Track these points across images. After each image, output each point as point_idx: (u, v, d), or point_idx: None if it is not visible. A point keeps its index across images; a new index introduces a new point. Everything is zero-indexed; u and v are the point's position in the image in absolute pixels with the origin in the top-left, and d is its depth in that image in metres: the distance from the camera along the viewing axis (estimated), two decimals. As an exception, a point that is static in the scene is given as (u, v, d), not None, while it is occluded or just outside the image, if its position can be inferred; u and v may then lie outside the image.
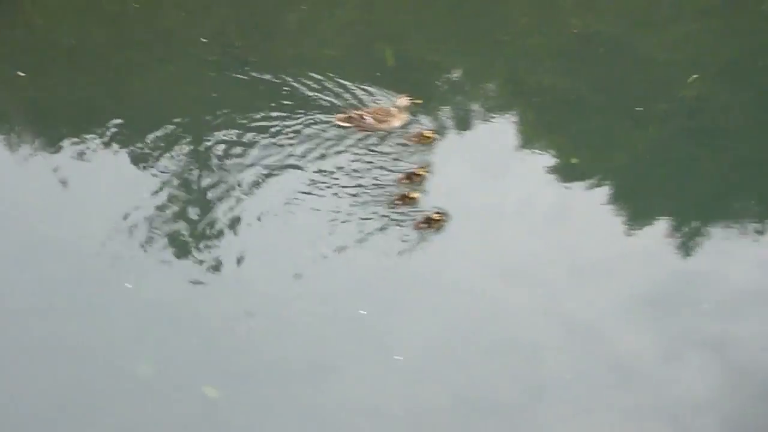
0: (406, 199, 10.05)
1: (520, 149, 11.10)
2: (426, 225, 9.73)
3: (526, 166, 10.86)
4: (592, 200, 10.41)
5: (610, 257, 9.64)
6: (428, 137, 10.71)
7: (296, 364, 8.72)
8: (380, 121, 10.88)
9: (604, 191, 10.53)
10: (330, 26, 13.19)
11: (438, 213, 9.75)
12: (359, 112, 10.97)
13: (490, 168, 10.69)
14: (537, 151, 11.03)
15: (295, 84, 11.71)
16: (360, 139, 10.89)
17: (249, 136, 11.03)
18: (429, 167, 10.44)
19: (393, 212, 10.00)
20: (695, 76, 11.72)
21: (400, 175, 10.39)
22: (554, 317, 9.10)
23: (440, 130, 10.99)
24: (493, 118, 11.52)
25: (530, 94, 11.94)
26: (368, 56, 12.45)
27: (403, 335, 8.95)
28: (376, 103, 11.25)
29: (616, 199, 10.42)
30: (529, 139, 11.22)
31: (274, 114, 11.31)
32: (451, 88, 12.05)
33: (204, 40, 12.56)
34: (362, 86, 11.67)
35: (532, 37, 12.95)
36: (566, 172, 10.78)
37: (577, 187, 10.60)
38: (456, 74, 12.27)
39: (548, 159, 10.95)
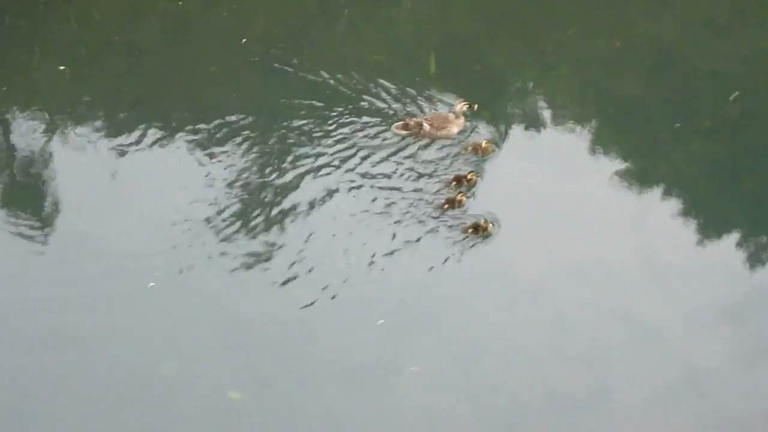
0: (453, 203, 9.82)
1: (579, 154, 10.98)
2: (473, 231, 9.51)
3: (584, 171, 10.69)
4: (659, 208, 10.25)
5: (677, 265, 9.48)
6: (486, 148, 10.45)
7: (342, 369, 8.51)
8: (438, 128, 10.64)
9: (672, 200, 10.33)
10: (375, 31, 13.02)
11: (485, 221, 9.50)
12: (417, 120, 10.73)
13: (550, 173, 10.51)
14: (597, 156, 10.94)
15: (338, 86, 11.61)
16: (417, 147, 10.69)
17: (289, 139, 10.88)
18: (478, 172, 10.24)
19: (441, 217, 9.78)
20: (736, 93, 11.41)
21: (450, 177, 10.18)
22: (622, 322, 8.95)
23: (497, 139, 10.79)
24: (552, 124, 11.41)
25: (590, 103, 11.86)
26: (413, 62, 12.27)
27: (468, 338, 8.81)
28: (434, 110, 11.12)
29: (684, 208, 10.23)
30: (588, 145, 11.09)
31: (317, 115, 11.16)
32: (504, 94, 11.94)
33: (245, 40, 12.42)
34: (408, 91, 11.52)
35: (583, 47, 12.80)
36: (631, 179, 10.59)
37: (644, 195, 10.43)
38: (508, 82, 12.19)
39: (610, 165, 10.79)
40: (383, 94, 11.41)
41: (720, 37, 12.82)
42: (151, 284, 9.08)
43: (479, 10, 13.38)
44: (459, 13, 13.33)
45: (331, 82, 11.68)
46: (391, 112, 11.14)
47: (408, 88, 11.54)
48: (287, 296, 9.07)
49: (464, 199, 9.85)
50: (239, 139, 10.84)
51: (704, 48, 12.60)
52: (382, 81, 11.57)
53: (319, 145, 10.75)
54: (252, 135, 10.91)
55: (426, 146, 10.67)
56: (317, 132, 10.94)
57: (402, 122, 10.81)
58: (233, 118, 11.14)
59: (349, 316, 8.90)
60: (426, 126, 10.63)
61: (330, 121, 11.07)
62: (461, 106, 10.72)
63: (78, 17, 13.01)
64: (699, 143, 11.03)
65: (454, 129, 10.69)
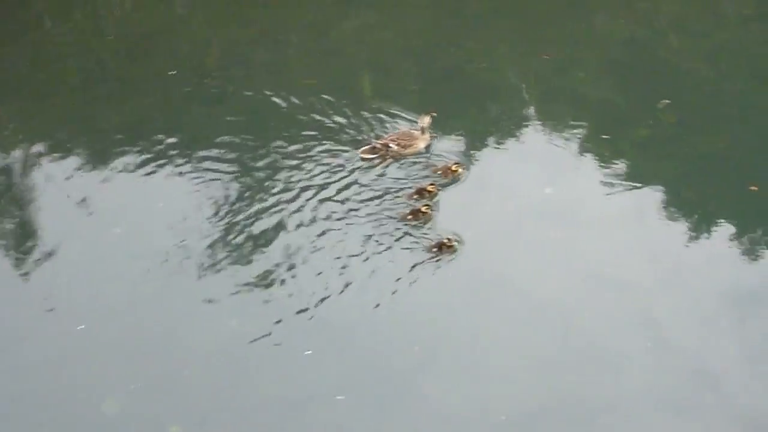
0: (418, 214, 9.67)
1: (545, 160, 10.81)
2: (438, 250, 9.30)
3: (552, 177, 10.51)
4: (645, 206, 10.04)
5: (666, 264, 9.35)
6: (456, 171, 10.20)
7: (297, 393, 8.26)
8: (405, 147, 10.50)
9: (657, 198, 10.14)
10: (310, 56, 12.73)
11: (449, 239, 9.29)
12: (383, 141, 10.57)
13: (514, 181, 10.43)
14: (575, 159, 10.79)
15: (273, 111, 11.44)
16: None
17: (246, 170, 10.66)
18: (438, 185, 10.05)
19: (407, 237, 9.58)
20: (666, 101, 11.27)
21: (411, 191, 10.03)
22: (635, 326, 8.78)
23: (465, 161, 10.49)
24: (510, 135, 11.23)
25: (558, 106, 11.66)
26: (348, 86, 11.96)
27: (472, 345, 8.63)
28: (397, 129, 10.91)
29: (669, 205, 10.05)
30: (552, 151, 10.94)
31: (251, 143, 11.01)
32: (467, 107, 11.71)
33: (172, 72, 12.29)
34: (344, 116, 11.27)
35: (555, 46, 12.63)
36: (616, 180, 10.44)
37: (631, 194, 10.23)
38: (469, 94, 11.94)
39: (591, 167, 10.67)
40: (337, 118, 11.24)
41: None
42: (81, 327, 8.78)
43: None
44: (400, 33, 13.23)
45: (277, 104, 11.62)
46: (369, 137, 10.92)
47: (352, 110, 11.41)
48: (233, 329, 8.79)
49: (430, 212, 9.70)
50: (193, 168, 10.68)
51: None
52: (330, 105, 11.46)
53: (275, 174, 10.53)
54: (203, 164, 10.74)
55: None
56: (267, 159, 10.77)
57: (369, 146, 10.60)
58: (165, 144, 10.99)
59: (294, 348, 8.60)
60: (393, 146, 10.46)
61: (284, 146, 10.90)
62: (427, 120, 10.56)
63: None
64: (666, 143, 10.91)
65: (421, 144, 10.59)
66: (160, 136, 11.13)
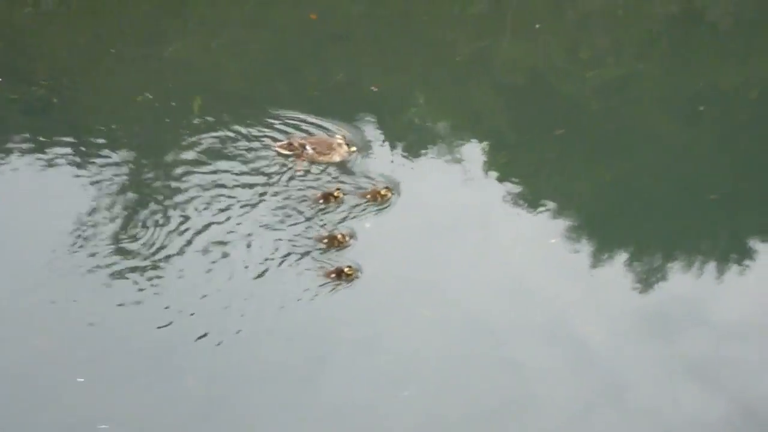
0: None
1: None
2: (336, 276, 9.14)
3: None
4: (554, 226, 10.04)
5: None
6: (385, 195, 9.93)
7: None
8: (320, 153, 10.23)
9: (564, 217, 10.16)
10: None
11: (350, 267, 9.16)
12: (301, 141, 10.29)
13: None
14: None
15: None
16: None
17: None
18: (342, 189, 9.96)
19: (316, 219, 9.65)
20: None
21: (318, 194, 9.91)
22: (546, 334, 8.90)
23: (394, 186, 10.16)
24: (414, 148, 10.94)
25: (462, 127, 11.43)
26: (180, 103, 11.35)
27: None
28: (314, 134, 10.63)
29: (579, 223, 10.08)
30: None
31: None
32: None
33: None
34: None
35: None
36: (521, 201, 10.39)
37: (539, 215, 10.20)
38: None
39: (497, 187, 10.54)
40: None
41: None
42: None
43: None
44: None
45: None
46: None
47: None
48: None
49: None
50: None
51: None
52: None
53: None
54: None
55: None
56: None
57: (286, 142, 10.36)
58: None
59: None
60: (309, 149, 10.18)
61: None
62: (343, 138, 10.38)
63: None
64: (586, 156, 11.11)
65: (336, 157, 10.29)
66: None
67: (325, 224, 9.62)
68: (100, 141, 10.56)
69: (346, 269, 9.09)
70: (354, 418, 8.21)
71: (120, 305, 8.85)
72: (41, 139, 10.59)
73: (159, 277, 9.12)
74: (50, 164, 10.30)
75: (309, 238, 9.49)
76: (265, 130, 10.70)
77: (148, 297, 8.94)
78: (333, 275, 9.11)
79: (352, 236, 9.48)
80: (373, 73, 11.87)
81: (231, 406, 8.22)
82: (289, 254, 9.35)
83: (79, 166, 10.26)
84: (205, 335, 8.67)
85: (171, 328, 8.70)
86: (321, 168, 10.23)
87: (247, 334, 8.72)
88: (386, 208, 9.90)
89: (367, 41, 12.65)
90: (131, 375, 8.33)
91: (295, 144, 10.28)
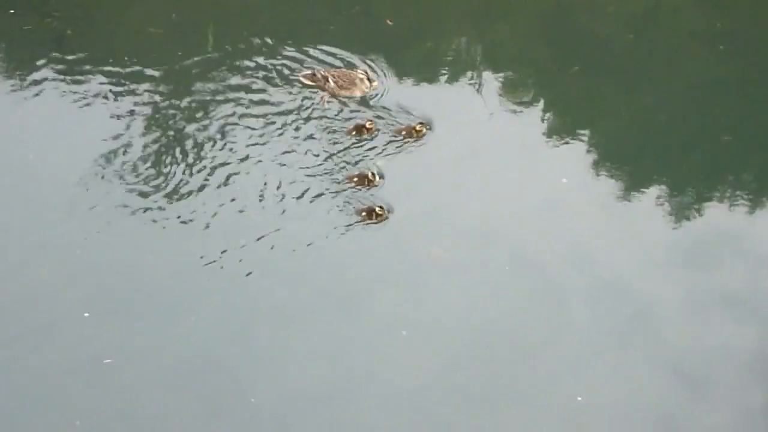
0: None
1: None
2: (366, 216, 9.16)
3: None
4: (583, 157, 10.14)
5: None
6: (419, 131, 9.86)
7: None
8: (342, 87, 10.20)
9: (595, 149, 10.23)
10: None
11: (381, 207, 9.16)
12: (324, 73, 10.29)
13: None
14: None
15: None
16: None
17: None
18: (375, 121, 9.94)
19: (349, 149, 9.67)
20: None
21: (349, 127, 9.88)
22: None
23: (429, 121, 10.11)
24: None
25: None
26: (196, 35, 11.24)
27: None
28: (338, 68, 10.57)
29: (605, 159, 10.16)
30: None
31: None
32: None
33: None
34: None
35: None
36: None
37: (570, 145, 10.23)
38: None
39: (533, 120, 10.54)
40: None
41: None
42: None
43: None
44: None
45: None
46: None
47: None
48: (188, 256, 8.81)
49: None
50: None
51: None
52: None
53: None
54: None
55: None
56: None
57: (310, 72, 10.39)
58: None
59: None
60: (331, 81, 10.19)
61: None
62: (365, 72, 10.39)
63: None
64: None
65: (357, 93, 10.25)
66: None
67: (359, 160, 9.65)
68: (117, 71, 10.50)
69: (377, 209, 9.08)
70: (384, 352, 8.33)
71: (140, 241, 8.92)
72: (56, 70, 10.50)
73: (181, 211, 9.15)
74: (65, 97, 10.24)
75: (338, 176, 9.51)
76: (287, 62, 10.68)
77: (171, 232, 9.00)
78: (363, 214, 9.12)
79: (382, 175, 9.46)
80: (389, 5, 11.79)
81: (246, 343, 8.28)
82: (318, 193, 9.36)
83: (95, 98, 10.20)
84: (230, 270, 8.71)
85: (193, 263, 8.75)
86: (344, 101, 10.21)
87: (270, 271, 8.75)
88: (421, 144, 9.90)
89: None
90: (142, 310, 8.42)
91: (318, 75, 10.30)
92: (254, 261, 8.78)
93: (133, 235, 8.94)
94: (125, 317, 8.32)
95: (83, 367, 8.02)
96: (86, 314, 8.33)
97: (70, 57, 10.65)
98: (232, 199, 9.27)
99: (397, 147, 9.82)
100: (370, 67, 10.59)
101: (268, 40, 10.95)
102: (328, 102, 10.15)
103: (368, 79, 10.27)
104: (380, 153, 9.74)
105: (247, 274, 8.68)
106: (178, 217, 9.10)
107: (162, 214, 9.12)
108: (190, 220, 9.08)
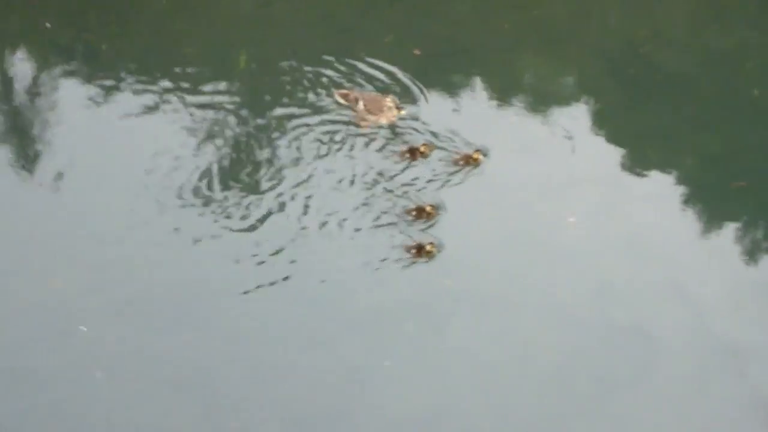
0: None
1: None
2: (416, 253, 8.78)
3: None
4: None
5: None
6: (476, 158, 9.59)
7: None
8: (369, 111, 10.03)
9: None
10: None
11: (431, 245, 8.76)
12: (356, 95, 10.16)
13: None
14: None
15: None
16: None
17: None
18: (432, 144, 9.71)
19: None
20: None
21: (403, 149, 9.65)
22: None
23: (485, 149, 9.82)
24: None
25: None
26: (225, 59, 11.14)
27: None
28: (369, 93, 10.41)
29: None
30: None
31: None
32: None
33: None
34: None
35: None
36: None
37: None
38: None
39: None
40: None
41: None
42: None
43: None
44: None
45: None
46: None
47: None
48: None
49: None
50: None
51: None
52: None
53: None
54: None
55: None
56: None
57: (345, 91, 10.29)
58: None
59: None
60: (361, 104, 10.06)
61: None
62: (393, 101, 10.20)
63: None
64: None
65: (383, 120, 10.03)
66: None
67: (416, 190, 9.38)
68: (149, 89, 10.42)
69: (428, 246, 8.72)
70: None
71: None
72: (90, 84, 10.47)
73: (230, 227, 9.02)
74: (97, 111, 10.18)
75: (394, 205, 9.24)
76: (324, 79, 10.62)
77: (212, 242, 8.88)
78: (413, 251, 8.76)
79: (440, 208, 9.13)
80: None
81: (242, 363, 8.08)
82: (372, 220, 9.12)
83: (130, 113, 10.14)
84: (255, 288, 8.53)
85: (223, 279, 8.60)
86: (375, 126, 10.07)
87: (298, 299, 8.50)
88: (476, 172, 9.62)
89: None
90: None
91: (351, 97, 10.21)
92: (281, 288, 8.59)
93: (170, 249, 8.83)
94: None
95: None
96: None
97: (102, 72, 10.65)
98: (275, 223, 9.10)
99: (452, 175, 9.61)
100: (420, 90, 10.46)
101: (298, 61, 10.92)
102: (363, 124, 10.02)
103: (396, 108, 10.12)
104: (437, 183, 9.53)
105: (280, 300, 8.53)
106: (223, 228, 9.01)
107: (208, 227, 9.00)
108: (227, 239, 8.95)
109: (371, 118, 10.00)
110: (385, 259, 8.75)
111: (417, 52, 11.12)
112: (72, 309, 8.20)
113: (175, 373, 7.87)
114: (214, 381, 7.85)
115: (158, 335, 8.07)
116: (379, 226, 9.03)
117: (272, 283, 8.51)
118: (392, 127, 10.02)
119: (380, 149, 9.74)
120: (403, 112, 10.13)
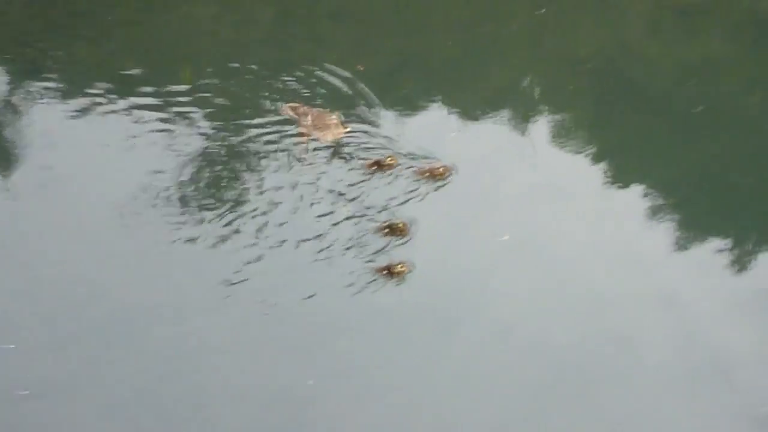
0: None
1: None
2: (386, 273, 8.76)
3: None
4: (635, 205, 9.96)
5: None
6: (443, 172, 9.63)
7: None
8: (316, 127, 10.04)
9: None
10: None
11: (402, 264, 8.73)
12: (305, 110, 10.17)
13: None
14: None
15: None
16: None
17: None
18: (397, 158, 9.72)
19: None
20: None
21: (369, 161, 9.67)
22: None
23: (453, 165, 9.83)
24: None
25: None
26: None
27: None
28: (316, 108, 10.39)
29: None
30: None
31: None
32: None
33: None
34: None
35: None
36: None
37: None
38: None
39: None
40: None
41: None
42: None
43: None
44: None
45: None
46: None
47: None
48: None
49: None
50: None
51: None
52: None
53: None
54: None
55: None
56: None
57: (295, 104, 10.28)
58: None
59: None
60: (309, 119, 10.07)
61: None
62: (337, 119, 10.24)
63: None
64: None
65: (329, 136, 10.04)
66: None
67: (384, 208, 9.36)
68: (102, 105, 10.41)
69: (398, 267, 8.67)
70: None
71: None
72: (38, 98, 10.50)
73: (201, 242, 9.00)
74: (42, 127, 10.15)
75: (364, 220, 9.24)
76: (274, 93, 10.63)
77: (181, 261, 8.85)
78: (383, 272, 8.71)
79: (412, 224, 9.09)
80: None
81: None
82: (339, 239, 9.08)
83: (76, 130, 10.16)
84: (238, 313, 8.48)
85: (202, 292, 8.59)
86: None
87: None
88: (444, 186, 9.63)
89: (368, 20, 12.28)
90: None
91: (300, 110, 10.20)
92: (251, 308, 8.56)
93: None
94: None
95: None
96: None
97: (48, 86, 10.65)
98: (238, 242, 9.06)
99: (415, 191, 9.60)
100: (371, 105, 10.50)
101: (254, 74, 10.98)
102: (309, 139, 10.03)
103: (341, 125, 10.15)
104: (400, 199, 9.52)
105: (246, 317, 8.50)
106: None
107: (173, 247, 8.96)
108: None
109: (316, 134, 10.01)
110: (351, 284, 8.73)
111: (360, 67, 11.15)
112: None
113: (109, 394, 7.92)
114: (148, 402, 7.85)
115: (95, 359, 8.10)
116: (348, 248, 9.02)
117: (218, 306, 8.52)
118: (337, 143, 10.02)
119: (345, 163, 9.77)
120: (347, 129, 10.15)
